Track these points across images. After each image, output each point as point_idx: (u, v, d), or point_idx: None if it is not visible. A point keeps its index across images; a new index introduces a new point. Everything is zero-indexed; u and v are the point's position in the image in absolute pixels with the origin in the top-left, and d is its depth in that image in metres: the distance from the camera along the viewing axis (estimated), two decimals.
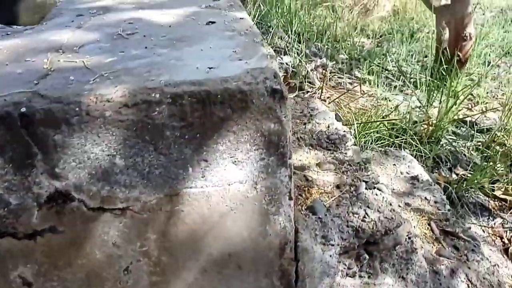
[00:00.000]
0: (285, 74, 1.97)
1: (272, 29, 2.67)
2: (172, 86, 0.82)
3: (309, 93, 1.88)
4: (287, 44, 2.49)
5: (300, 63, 2.19)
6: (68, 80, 0.87)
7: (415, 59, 2.91)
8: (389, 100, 2.11)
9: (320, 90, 1.89)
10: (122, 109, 0.80)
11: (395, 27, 3.60)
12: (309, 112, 1.58)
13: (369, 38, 3.40)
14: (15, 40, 1.22)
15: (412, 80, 2.45)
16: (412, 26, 3.62)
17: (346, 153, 1.37)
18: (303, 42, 2.57)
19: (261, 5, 3.04)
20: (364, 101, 2.04)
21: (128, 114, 0.81)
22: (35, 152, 0.79)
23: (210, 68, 0.88)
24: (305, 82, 1.94)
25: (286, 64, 2.08)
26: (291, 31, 2.68)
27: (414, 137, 1.76)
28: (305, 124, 1.50)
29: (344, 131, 1.44)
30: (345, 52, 2.86)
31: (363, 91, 2.13)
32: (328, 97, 1.90)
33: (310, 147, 1.39)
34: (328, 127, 1.46)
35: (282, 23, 2.85)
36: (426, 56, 2.96)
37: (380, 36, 3.44)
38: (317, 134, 1.43)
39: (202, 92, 0.82)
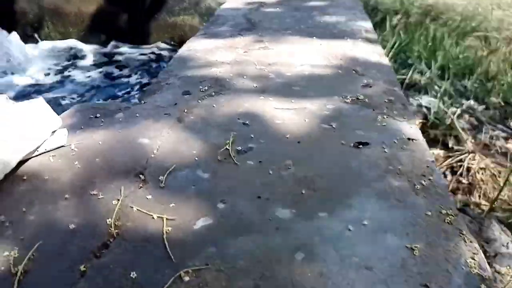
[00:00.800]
0: (423, 121, 1.68)
1: (411, 61, 2.37)
2: None
3: (457, 157, 1.52)
4: (428, 80, 2.17)
5: (443, 106, 1.86)
6: None
7: None
8: None
9: (470, 155, 1.52)
10: None
11: None
12: (486, 251, 1.02)
13: None
14: (106, 133, 1.07)
15: None
16: None
17: None
18: (448, 79, 2.22)
19: (401, 33, 2.74)
20: None
21: None
22: None
23: None
24: (449, 135, 1.62)
25: (426, 107, 1.78)
26: (434, 64, 2.34)
27: None
28: None
29: None
30: (499, 94, 2.41)
31: None
32: (482, 169, 1.46)
33: None
34: None
35: (424, 55, 2.52)
36: None
37: None
38: None
39: None
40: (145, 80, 2.90)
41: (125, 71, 3.10)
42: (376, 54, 1.59)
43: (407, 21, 3.29)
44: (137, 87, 2.76)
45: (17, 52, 3.36)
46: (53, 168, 0.95)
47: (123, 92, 2.71)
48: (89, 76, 3.06)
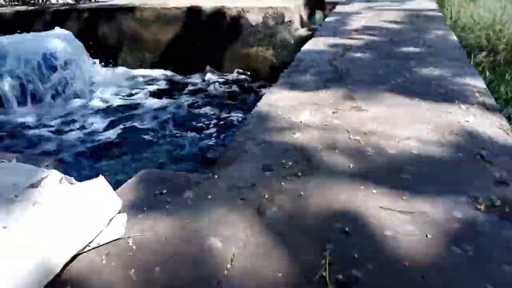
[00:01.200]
0: None
1: (499, 106, 1.99)
2: None
3: None
4: None
5: None
6: None
7: None
8: None
9: None
10: None
11: None
12: None
13: None
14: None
15: None
16: None
17: None
18: None
19: (487, 72, 2.38)
20: None
21: None
22: None
23: None
24: None
25: None
26: None
27: None
28: None
29: None
30: None
31: None
32: None
33: None
34: None
35: None
36: None
37: None
38: None
39: None
40: (216, 112, 2.76)
41: (198, 100, 2.99)
42: (502, 131, 1.28)
43: (494, 59, 2.90)
44: (210, 120, 2.62)
45: (94, 75, 3.39)
46: (104, 276, 0.76)
47: (198, 124, 2.59)
48: (162, 104, 2.98)
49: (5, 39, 3.11)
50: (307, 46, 2.35)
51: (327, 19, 3.06)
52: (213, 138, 2.37)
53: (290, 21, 3.11)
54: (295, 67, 1.96)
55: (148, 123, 2.64)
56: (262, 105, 1.53)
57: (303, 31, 3.18)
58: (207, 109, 2.80)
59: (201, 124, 2.57)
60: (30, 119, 2.76)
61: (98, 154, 2.26)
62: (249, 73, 3.40)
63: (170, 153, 2.22)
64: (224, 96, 3.05)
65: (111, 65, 3.69)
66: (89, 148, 2.35)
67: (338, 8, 3.56)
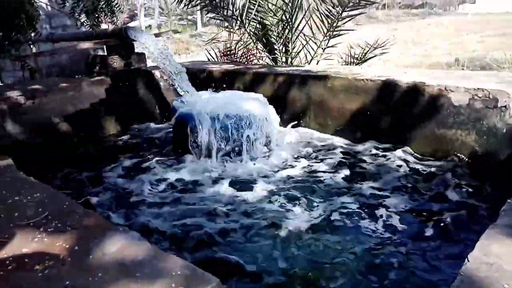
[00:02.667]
0: None
1: None
2: None
3: None
4: None
5: None
6: None
7: None
8: None
9: None
10: None
11: None
12: None
13: None
14: None
15: None
16: None
17: None
18: None
19: None
20: None
21: None
22: None
23: None
24: None
25: None
26: None
27: None
28: None
29: None
30: None
31: None
32: None
33: None
34: None
35: None
36: None
37: None
38: None
39: None
40: (406, 202, 2.43)
41: (377, 181, 2.74)
42: None
43: None
44: (391, 221, 2.28)
45: (278, 136, 3.51)
46: None
47: (379, 227, 2.22)
48: (337, 177, 2.84)
49: (213, 96, 3.52)
50: None
51: None
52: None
53: (504, 106, 2.63)
54: None
55: (320, 194, 2.51)
56: (475, 261, 1.06)
57: None
58: (391, 202, 2.47)
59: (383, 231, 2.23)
60: (211, 174, 2.96)
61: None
62: (440, 155, 3.00)
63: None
64: (412, 180, 2.72)
65: (294, 127, 3.79)
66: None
67: None
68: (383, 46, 5.35)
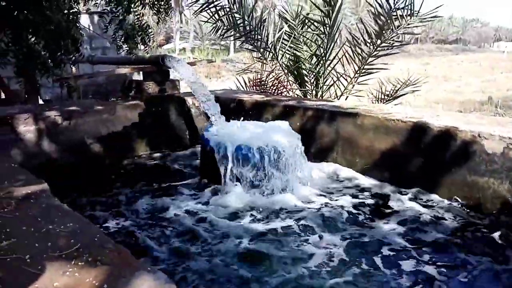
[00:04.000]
0: None
1: None
2: None
3: None
4: None
5: None
6: None
7: None
8: None
9: None
10: None
11: None
12: None
13: None
14: None
15: None
16: None
17: None
18: None
19: None
20: None
21: None
22: None
23: None
24: None
25: None
26: None
27: None
28: None
29: None
30: None
31: None
32: None
33: None
34: None
35: None
36: None
37: None
38: None
39: None
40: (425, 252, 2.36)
41: (404, 224, 2.67)
42: None
43: None
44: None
45: (304, 169, 3.50)
46: None
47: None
48: (361, 216, 2.80)
49: (243, 126, 3.57)
50: None
51: None
52: None
53: None
54: None
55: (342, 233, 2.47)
56: None
57: None
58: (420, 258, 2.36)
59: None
60: (237, 205, 2.97)
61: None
62: (469, 204, 2.92)
63: None
64: (435, 229, 2.64)
65: (321, 162, 3.78)
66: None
67: None
68: (415, 84, 5.32)
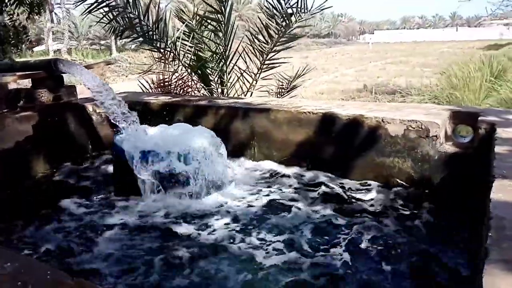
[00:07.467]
0: None
1: None
2: None
3: None
4: None
5: None
6: None
7: None
8: None
9: None
10: None
11: None
12: None
13: None
14: None
15: None
16: None
17: None
18: None
19: None
20: None
21: None
22: None
23: None
24: None
25: None
26: None
27: None
28: None
29: None
30: None
31: None
32: None
33: None
34: None
35: None
36: None
37: None
38: None
39: None
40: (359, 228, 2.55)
41: (330, 206, 2.87)
42: None
43: None
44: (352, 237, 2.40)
45: (222, 168, 3.49)
46: None
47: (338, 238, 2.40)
48: (293, 206, 2.91)
49: (156, 130, 3.41)
50: (494, 196, 1.68)
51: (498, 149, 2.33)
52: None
53: (435, 136, 2.94)
54: (501, 230, 1.39)
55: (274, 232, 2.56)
56: None
57: (448, 147, 2.98)
58: (355, 226, 2.57)
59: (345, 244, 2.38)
60: (158, 212, 2.85)
61: None
62: (379, 182, 3.26)
63: None
64: (355, 203, 2.91)
65: (239, 159, 3.82)
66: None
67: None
68: (303, 75, 5.68)
